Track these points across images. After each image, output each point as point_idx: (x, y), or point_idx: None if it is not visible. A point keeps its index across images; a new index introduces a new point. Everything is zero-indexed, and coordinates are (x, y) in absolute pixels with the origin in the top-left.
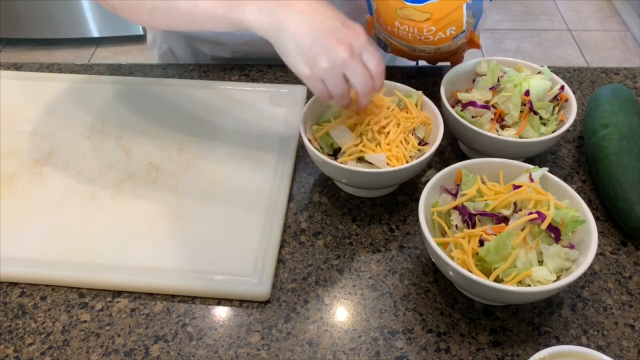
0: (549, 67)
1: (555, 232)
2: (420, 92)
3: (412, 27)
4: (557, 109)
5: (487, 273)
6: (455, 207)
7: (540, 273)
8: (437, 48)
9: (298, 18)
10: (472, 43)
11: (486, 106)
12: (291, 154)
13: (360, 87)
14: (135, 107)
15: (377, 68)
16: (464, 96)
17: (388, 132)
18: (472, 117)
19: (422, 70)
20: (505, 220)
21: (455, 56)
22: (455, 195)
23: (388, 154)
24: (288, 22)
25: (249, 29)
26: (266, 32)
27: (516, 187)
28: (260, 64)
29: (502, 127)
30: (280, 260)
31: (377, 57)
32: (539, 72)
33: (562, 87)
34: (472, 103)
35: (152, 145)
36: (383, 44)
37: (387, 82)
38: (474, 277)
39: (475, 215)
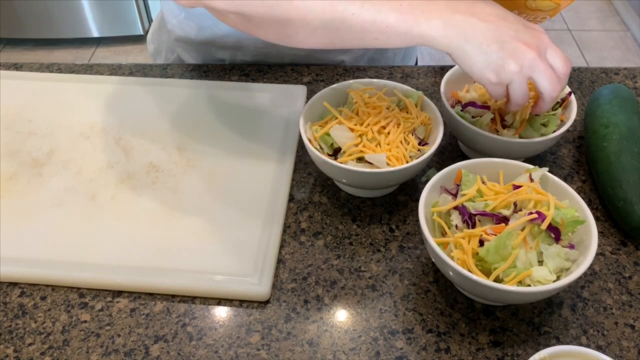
0: None
1: (555, 232)
2: (420, 92)
3: (530, 14)
4: (560, 110)
5: (487, 273)
6: (455, 207)
7: (540, 273)
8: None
9: (484, 26)
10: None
11: (486, 106)
12: (291, 154)
13: (549, 89)
14: (135, 107)
15: (563, 67)
16: (464, 96)
17: (388, 132)
18: (472, 117)
19: (422, 70)
20: (505, 220)
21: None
22: (455, 195)
23: (388, 154)
24: (474, 32)
25: (429, 43)
26: (449, 46)
27: (516, 187)
28: (261, 63)
29: (503, 127)
30: (280, 260)
31: (562, 55)
32: None
33: (570, 93)
34: (472, 103)
35: (152, 145)
36: None
37: (387, 82)
38: (474, 277)
39: (475, 215)
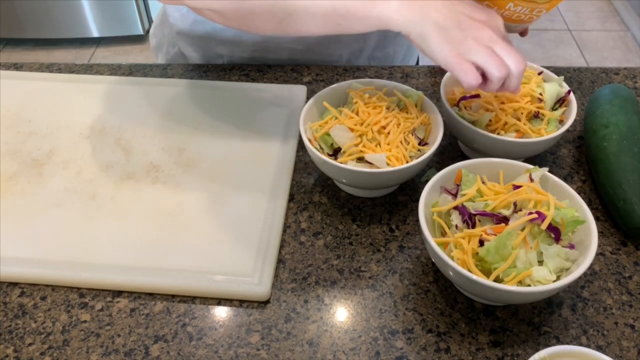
0: (548, 67)
1: (555, 232)
2: (420, 92)
3: (526, 7)
4: (560, 109)
5: (487, 273)
6: (455, 207)
7: (540, 273)
8: (530, 23)
9: (440, 4)
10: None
11: (476, 95)
12: (291, 154)
13: (515, 65)
14: (135, 107)
15: (516, 52)
16: (457, 94)
17: (388, 132)
18: (472, 117)
19: (422, 70)
20: (505, 220)
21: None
22: (455, 195)
23: (388, 154)
24: (429, 9)
25: (388, 25)
26: (407, 26)
27: (516, 187)
28: (261, 64)
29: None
30: (280, 260)
31: (512, 44)
32: (540, 73)
33: (569, 92)
34: (462, 97)
35: (152, 145)
36: None
37: (387, 82)
38: (474, 277)
39: (475, 215)
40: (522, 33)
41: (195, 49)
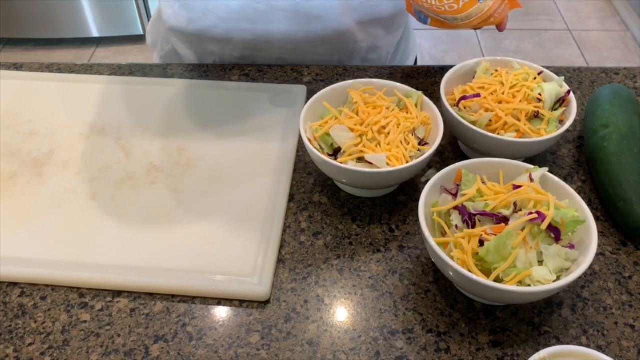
0: (548, 67)
1: (555, 232)
2: (420, 92)
3: None
4: (560, 109)
5: (487, 273)
6: (455, 207)
7: (540, 273)
8: (467, 15)
9: None
10: (513, 3)
11: (477, 95)
12: (291, 154)
13: None
14: (135, 107)
15: None
16: (456, 95)
17: (388, 132)
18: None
19: (422, 70)
20: (505, 220)
21: (496, 20)
22: (455, 195)
23: (388, 154)
24: None
25: None
26: None
27: (516, 187)
28: (262, 63)
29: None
30: (280, 260)
31: None
32: (540, 73)
33: (569, 92)
34: (463, 97)
35: (152, 145)
36: (423, 18)
37: (387, 82)
38: (474, 277)
39: (475, 215)
40: (499, 27)
41: (188, 45)
